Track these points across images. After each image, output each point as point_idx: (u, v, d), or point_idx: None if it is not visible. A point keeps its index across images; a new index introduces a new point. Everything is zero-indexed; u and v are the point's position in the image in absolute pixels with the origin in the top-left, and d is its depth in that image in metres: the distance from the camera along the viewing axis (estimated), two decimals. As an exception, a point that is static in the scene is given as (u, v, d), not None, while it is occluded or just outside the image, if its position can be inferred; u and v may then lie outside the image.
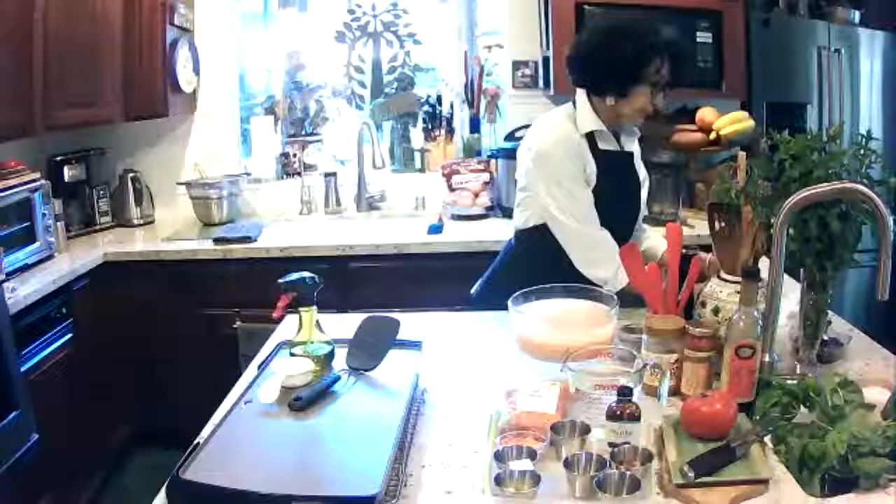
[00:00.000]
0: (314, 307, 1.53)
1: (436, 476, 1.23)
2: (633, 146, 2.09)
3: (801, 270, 1.48)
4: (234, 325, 2.90)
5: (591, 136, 1.94)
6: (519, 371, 1.59)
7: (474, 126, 3.58)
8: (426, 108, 3.65)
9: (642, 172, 2.12)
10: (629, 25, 1.93)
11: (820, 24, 3.30)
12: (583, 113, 1.95)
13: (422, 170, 3.64)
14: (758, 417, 1.32)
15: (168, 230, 3.29)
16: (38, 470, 2.27)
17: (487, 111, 3.57)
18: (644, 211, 2.15)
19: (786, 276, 1.44)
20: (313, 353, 1.52)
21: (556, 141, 1.94)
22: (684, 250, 1.61)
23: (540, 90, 3.44)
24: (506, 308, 1.61)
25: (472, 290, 2.21)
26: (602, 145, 1.95)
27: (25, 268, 2.62)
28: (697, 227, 2.85)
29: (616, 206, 1.97)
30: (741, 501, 1.12)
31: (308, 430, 1.31)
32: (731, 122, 3.01)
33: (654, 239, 2.17)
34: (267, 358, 1.59)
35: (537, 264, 1.96)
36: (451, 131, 3.63)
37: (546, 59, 3.29)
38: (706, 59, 3.09)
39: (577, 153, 1.92)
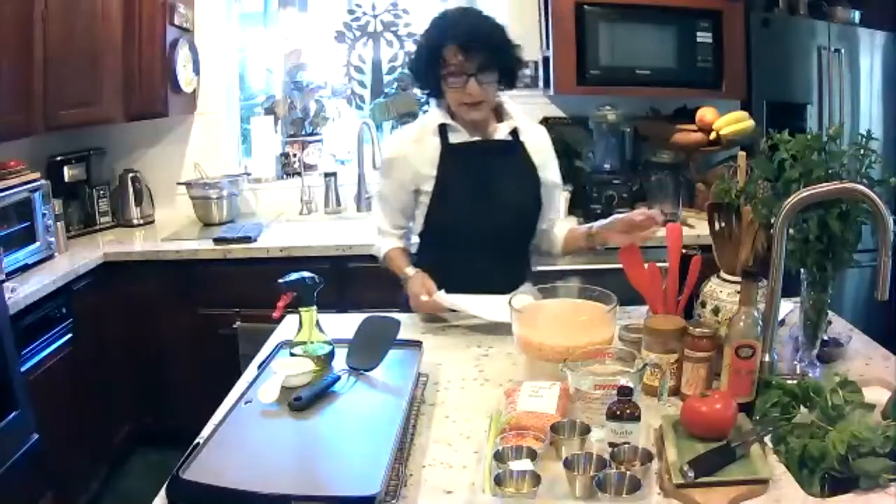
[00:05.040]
0: (314, 307, 1.54)
1: (436, 476, 1.23)
2: (525, 136, 2.00)
3: (801, 270, 1.48)
4: (234, 325, 2.90)
5: (444, 131, 1.96)
6: (519, 371, 1.59)
7: (474, 126, 3.57)
8: (426, 108, 3.65)
9: (549, 172, 2.04)
10: (427, 27, 2.01)
11: (820, 24, 3.30)
12: (432, 108, 2.04)
13: (422, 170, 3.63)
14: (758, 417, 1.32)
15: (168, 230, 3.29)
16: (38, 470, 2.27)
17: (487, 111, 3.57)
18: (558, 210, 2.14)
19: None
20: (313, 353, 1.52)
21: (391, 145, 2.16)
22: (684, 250, 1.61)
23: (540, 90, 3.44)
24: None
25: None
26: (452, 138, 1.96)
27: (25, 268, 2.62)
28: (697, 227, 2.85)
29: (472, 196, 1.93)
30: (741, 501, 1.12)
31: (308, 430, 1.31)
32: (731, 122, 3.01)
33: (558, 227, 2.09)
34: (267, 358, 1.59)
35: (437, 266, 1.95)
36: (450, 131, 3.63)
37: (546, 59, 3.28)
38: (706, 59, 3.09)
39: (404, 155, 1.97)
